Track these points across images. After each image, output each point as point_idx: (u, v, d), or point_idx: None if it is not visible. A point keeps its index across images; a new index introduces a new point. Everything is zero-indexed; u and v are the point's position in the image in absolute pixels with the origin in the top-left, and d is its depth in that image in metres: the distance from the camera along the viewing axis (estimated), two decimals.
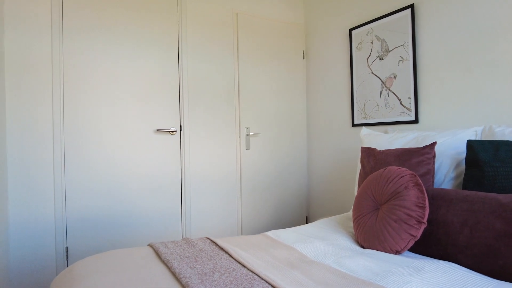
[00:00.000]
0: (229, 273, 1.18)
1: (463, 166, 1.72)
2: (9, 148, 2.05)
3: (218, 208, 2.78)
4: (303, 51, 3.25)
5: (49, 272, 2.15)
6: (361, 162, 2.03)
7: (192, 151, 2.68)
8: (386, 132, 2.46)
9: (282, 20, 3.14)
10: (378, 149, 2.13)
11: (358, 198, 1.70)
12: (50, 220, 2.16)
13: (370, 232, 1.51)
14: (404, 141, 2.02)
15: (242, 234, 2.87)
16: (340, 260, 1.35)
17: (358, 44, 2.70)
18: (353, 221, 1.67)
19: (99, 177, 2.30)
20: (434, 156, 1.68)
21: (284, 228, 2.96)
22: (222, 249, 1.48)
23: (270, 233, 1.77)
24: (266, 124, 3.01)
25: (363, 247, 1.55)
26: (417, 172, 1.68)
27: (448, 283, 1.12)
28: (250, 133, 2.92)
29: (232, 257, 1.37)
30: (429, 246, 1.40)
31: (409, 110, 2.31)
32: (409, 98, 2.30)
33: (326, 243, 1.57)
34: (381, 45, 2.51)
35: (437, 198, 1.44)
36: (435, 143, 1.70)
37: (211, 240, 1.61)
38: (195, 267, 1.24)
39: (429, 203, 1.46)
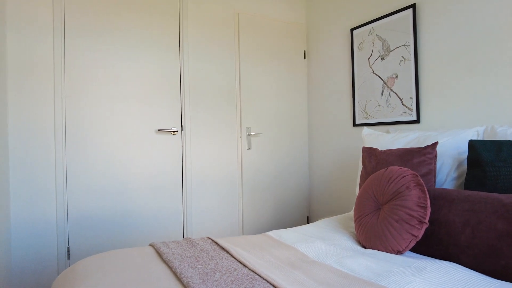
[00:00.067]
0: (230, 273, 1.18)
1: (465, 166, 1.72)
2: (11, 148, 2.06)
3: (219, 208, 2.79)
4: (305, 51, 3.24)
5: (51, 272, 2.15)
6: (363, 162, 2.03)
7: (194, 151, 2.68)
8: (387, 132, 2.45)
9: (283, 20, 3.14)
10: (380, 149, 2.12)
11: (360, 198, 1.69)
12: (52, 219, 2.16)
13: (372, 232, 1.51)
14: (405, 141, 2.02)
15: (243, 234, 2.87)
16: (341, 260, 1.34)
17: (360, 44, 2.70)
18: (355, 221, 1.66)
19: (100, 177, 2.31)
20: (435, 156, 1.68)
21: (285, 228, 2.96)
22: (223, 249, 1.48)
23: (271, 233, 1.77)
24: (267, 124, 3.01)
25: (364, 247, 1.55)
26: (418, 172, 1.67)
27: (449, 284, 1.12)
28: (251, 133, 2.92)
29: (234, 257, 1.37)
30: (431, 246, 1.40)
31: (411, 110, 2.30)
32: (411, 98, 2.30)
33: (328, 243, 1.57)
34: (382, 45, 2.50)
35: (438, 198, 1.44)
36: (436, 143, 1.70)
37: (212, 240, 1.61)
38: (196, 267, 1.24)
39: (431, 203, 1.45)
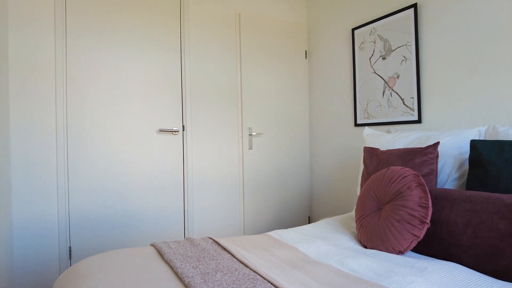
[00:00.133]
0: (232, 273, 1.18)
1: (467, 166, 1.71)
2: (13, 148, 2.06)
3: (220, 208, 2.79)
4: (306, 51, 3.24)
5: (52, 272, 2.16)
6: (364, 162, 2.03)
7: (195, 151, 2.68)
8: (389, 132, 2.45)
9: (285, 20, 3.14)
10: (381, 149, 2.12)
11: (361, 198, 1.69)
12: (54, 219, 2.16)
13: (373, 232, 1.50)
14: (407, 141, 2.02)
15: (244, 234, 2.87)
16: (342, 260, 1.34)
17: (361, 44, 2.69)
18: (356, 221, 1.66)
19: (102, 177, 2.31)
20: (437, 156, 1.68)
21: (286, 228, 2.96)
22: (224, 249, 1.48)
23: (272, 233, 1.77)
24: (269, 124, 3.01)
25: (365, 247, 1.54)
26: (420, 172, 1.67)
27: (451, 284, 1.11)
28: (253, 133, 2.92)
29: (235, 257, 1.37)
30: (432, 246, 1.40)
31: (412, 110, 2.30)
32: (412, 98, 2.29)
33: (329, 243, 1.57)
34: (383, 44, 2.50)
35: (440, 198, 1.44)
36: (438, 143, 1.70)
37: (213, 240, 1.61)
38: (197, 267, 1.24)
39: (432, 203, 1.45)
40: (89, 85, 2.28)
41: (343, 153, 2.90)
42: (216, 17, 2.80)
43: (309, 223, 3.23)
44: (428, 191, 1.43)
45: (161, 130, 2.51)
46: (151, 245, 1.58)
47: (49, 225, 2.15)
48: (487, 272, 1.21)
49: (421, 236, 1.39)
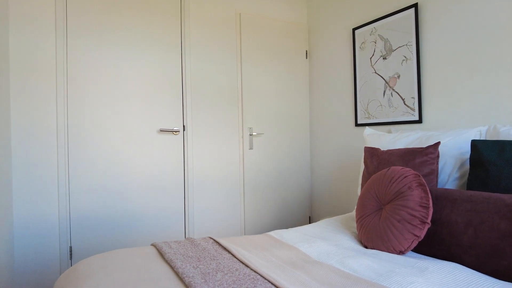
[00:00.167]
0: (232, 273, 1.18)
1: (467, 166, 1.71)
2: (14, 148, 2.07)
3: (221, 208, 2.79)
4: (306, 51, 3.24)
5: (53, 271, 2.16)
6: (365, 162, 2.03)
7: (195, 151, 2.68)
8: (389, 132, 2.45)
9: (285, 20, 3.14)
10: (382, 149, 2.12)
11: (362, 198, 1.69)
12: (54, 219, 2.17)
13: (374, 232, 1.50)
14: (407, 141, 2.01)
15: (245, 234, 2.87)
16: (343, 260, 1.34)
17: (362, 44, 2.69)
18: (356, 221, 1.66)
19: (103, 177, 2.31)
20: (437, 156, 1.68)
21: (287, 228, 2.96)
22: (225, 249, 1.48)
23: (273, 233, 1.77)
24: (269, 124, 3.01)
25: (366, 247, 1.54)
26: (420, 172, 1.67)
27: (452, 284, 1.11)
28: (253, 133, 2.92)
29: (235, 257, 1.37)
30: (433, 247, 1.40)
31: (413, 110, 2.30)
32: (413, 98, 2.29)
33: (329, 243, 1.57)
34: (384, 44, 2.50)
35: (441, 198, 1.43)
36: (438, 143, 1.69)
37: (214, 240, 1.61)
38: (198, 267, 1.24)
39: (433, 203, 1.45)
40: (89, 85, 2.29)
41: (344, 153, 2.90)
42: (217, 17, 2.80)
43: (309, 223, 3.23)
44: (428, 191, 1.43)
45: (161, 130, 2.52)
46: (152, 245, 1.58)
47: (49, 225, 2.15)
48: (488, 272, 1.21)
49: (422, 236, 1.39)
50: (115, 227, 2.35)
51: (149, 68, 2.49)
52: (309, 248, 1.51)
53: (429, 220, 1.38)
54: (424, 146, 1.88)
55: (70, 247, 2.22)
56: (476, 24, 1.96)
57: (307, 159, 3.23)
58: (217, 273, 1.18)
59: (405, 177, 1.49)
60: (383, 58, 2.51)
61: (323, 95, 3.10)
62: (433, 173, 1.65)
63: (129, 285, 1.11)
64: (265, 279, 1.14)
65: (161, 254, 1.43)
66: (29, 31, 2.11)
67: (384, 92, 2.50)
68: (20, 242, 2.07)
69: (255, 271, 1.21)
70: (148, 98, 2.48)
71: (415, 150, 1.75)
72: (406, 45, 2.33)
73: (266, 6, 3.05)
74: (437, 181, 1.65)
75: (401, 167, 1.57)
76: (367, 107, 2.65)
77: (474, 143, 1.55)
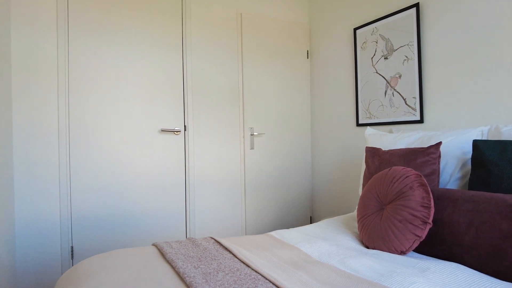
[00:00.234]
0: (233, 273, 1.18)
1: (469, 166, 1.71)
2: (16, 148, 2.07)
3: (222, 208, 2.79)
4: (307, 50, 3.24)
5: (55, 271, 2.16)
6: (366, 162, 2.02)
7: (196, 151, 2.68)
8: (390, 132, 2.45)
9: (286, 20, 3.14)
10: (383, 149, 2.12)
11: (363, 198, 1.69)
12: (56, 219, 2.17)
13: (375, 232, 1.50)
14: (409, 141, 2.01)
15: (246, 234, 2.87)
16: (344, 260, 1.34)
17: (363, 44, 2.69)
18: (358, 221, 1.66)
19: (104, 177, 2.31)
20: (439, 156, 1.67)
21: (288, 228, 2.96)
22: (226, 249, 1.48)
23: (274, 233, 1.77)
24: (270, 124, 3.01)
25: (367, 247, 1.54)
26: (422, 172, 1.67)
27: (453, 284, 1.11)
28: (254, 133, 2.92)
29: (236, 257, 1.37)
30: (434, 247, 1.39)
31: (414, 109, 2.29)
32: (414, 97, 2.29)
33: (331, 243, 1.56)
34: (385, 44, 2.49)
35: (442, 198, 1.43)
36: (440, 143, 1.69)
37: (215, 240, 1.61)
38: (199, 267, 1.24)
39: (434, 203, 1.45)
40: (91, 85, 2.29)
41: (345, 153, 2.90)
42: (218, 17, 2.80)
43: (311, 223, 3.23)
44: (430, 191, 1.43)
45: (163, 130, 2.52)
46: (153, 245, 1.58)
47: (51, 225, 2.16)
48: (490, 272, 1.20)
49: (423, 236, 1.38)
50: (116, 227, 2.35)
51: (150, 68, 2.49)
52: (310, 248, 1.51)
53: (430, 220, 1.38)
54: (426, 146, 1.87)
55: (72, 247, 2.22)
56: (477, 24, 1.95)
57: (308, 159, 3.23)
58: (218, 273, 1.18)
59: (406, 177, 1.49)
60: (385, 58, 2.50)
61: (324, 95, 3.10)
62: (435, 173, 1.65)
63: (130, 285, 1.11)
64: (266, 279, 1.14)
65: (162, 254, 1.43)
66: (30, 31, 2.12)
67: (386, 92, 2.50)
68: (21, 242, 2.08)
69: (256, 271, 1.21)
70: (149, 98, 2.49)
71: (416, 150, 1.74)
72: (408, 45, 2.33)
73: (267, 6, 3.05)
74: (438, 181, 1.65)
75: (403, 167, 1.56)
76: (368, 107, 2.64)
77: (476, 143, 1.55)
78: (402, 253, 1.42)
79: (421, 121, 2.25)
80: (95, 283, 1.13)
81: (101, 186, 2.31)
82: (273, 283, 1.10)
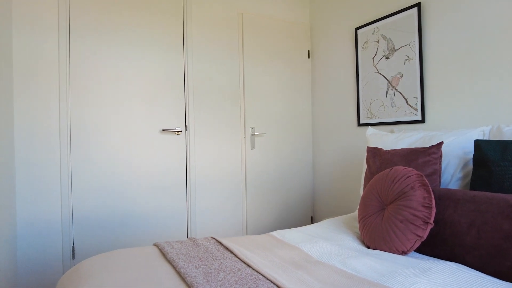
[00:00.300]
0: (234, 273, 1.18)
1: (471, 166, 1.70)
2: (17, 148, 2.08)
3: (223, 208, 2.79)
4: (309, 50, 3.24)
5: (56, 271, 2.17)
6: (367, 162, 2.02)
7: (198, 151, 2.69)
8: (392, 132, 2.44)
9: (287, 20, 3.14)
10: (384, 149, 2.11)
11: (364, 198, 1.69)
12: (57, 219, 2.17)
13: (376, 233, 1.50)
14: (410, 141, 2.01)
15: (247, 234, 2.87)
16: (345, 261, 1.34)
17: (364, 44, 2.68)
18: (359, 222, 1.66)
19: (105, 177, 2.32)
20: (440, 156, 1.67)
21: (289, 228, 2.96)
22: (227, 249, 1.48)
23: (275, 233, 1.77)
24: (271, 124, 3.01)
25: (368, 247, 1.54)
26: (423, 172, 1.66)
27: (455, 285, 1.11)
28: (255, 133, 2.92)
29: (237, 257, 1.37)
30: (436, 247, 1.39)
31: (416, 109, 2.29)
32: (416, 97, 2.28)
33: (332, 243, 1.56)
34: (387, 44, 2.49)
35: (444, 198, 1.43)
36: (441, 143, 1.69)
37: (216, 240, 1.61)
38: (200, 267, 1.24)
39: (436, 203, 1.44)
40: (92, 86, 2.29)
41: (346, 153, 2.90)
42: (219, 17, 2.80)
43: (312, 223, 3.23)
44: (431, 191, 1.43)
45: (164, 130, 2.52)
46: (154, 244, 1.58)
47: (52, 224, 2.16)
48: (491, 273, 1.20)
49: (425, 237, 1.38)
50: (117, 226, 2.35)
51: (151, 68, 2.49)
52: (311, 248, 1.51)
53: (432, 221, 1.37)
54: (427, 146, 1.87)
55: (73, 247, 2.22)
56: (479, 23, 1.95)
57: (309, 159, 3.23)
58: (219, 273, 1.18)
59: (407, 177, 1.49)
60: (386, 58, 2.50)
61: (326, 95, 3.10)
62: (436, 173, 1.65)
63: (131, 284, 1.11)
64: (267, 279, 1.14)
65: (163, 254, 1.43)
66: (31, 31, 2.12)
67: (387, 92, 2.50)
68: (23, 242, 2.08)
69: (257, 271, 1.21)
70: (150, 98, 2.49)
71: (418, 150, 1.74)
72: (409, 44, 2.32)
73: (268, 6, 3.05)
74: (440, 181, 1.65)
75: (404, 167, 1.56)
76: (370, 107, 2.64)
77: (478, 143, 1.54)
78: (404, 253, 1.41)
79: (422, 121, 2.25)
80: (97, 283, 1.13)
81: (102, 186, 2.31)
82: (274, 283, 1.10)
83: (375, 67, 2.59)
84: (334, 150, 3.01)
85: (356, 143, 2.80)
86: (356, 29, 2.74)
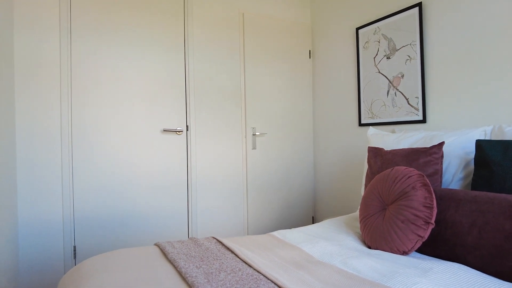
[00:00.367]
0: (235, 273, 1.18)
1: (472, 166, 1.70)
2: (18, 148, 2.08)
3: (224, 208, 2.79)
4: (310, 50, 3.24)
5: (57, 271, 2.17)
6: (368, 162, 2.02)
7: (198, 151, 2.69)
8: (393, 131, 2.44)
9: (288, 20, 3.14)
10: (385, 149, 2.11)
11: (365, 198, 1.68)
12: (58, 219, 2.18)
13: (377, 233, 1.50)
14: (411, 141, 2.00)
15: (248, 234, 2.87)
16: (346, 261, 1.34)
17: (365, 43, 2.68)
18: (360, 222, 1.65)
19: (106, 177, 2.32)
20: (442, 156, 1.66)
21: (290, 228, 2.96)
22: (228, 248, 1.48)
23: (276, 233, 1.77)
24: (272, 124, 3.01)
25: (369, 247, 1.54)
26: (424, 172, 1.66)
27: (456, 285, 1.11)
28: (256, 133, 2.92)
29: (238, 257, 1.37)
30: (437, 247, 1.39)
31: (417, 109, 2.28)
32: (417, 97, 2.28)
33: (333, 244, 1.56)
34: (388, 44, 2.49)
35: (445, 198, 1.43)
36: (443, 143, 1.68)
37: (217, 240, 1.61)
38: (201, 267, 1.24)
39: (437, 203, 1.44)
40: (93, 86, 2.30)
41: (347, 153, 2.90)
42: (220, 17, 2.80)
43: (313, 223, 3.23)
44: (432, 191, 1.42)
45: (165, 130, 2.52)
46: (155, 244, 1.58)
47: (54, 224, 2.16)
48: (493, 273, 1.20)
49: (426, 237, 1.38)
50: (118, 226, 2.35)
51: (151, 68, 2.50)
52: (312, 248, 1.50)
53: (433, 221, 1.37)
54: (428, 146, 1.87)
55: (74, 247, 2.23)
56: (480, 23, 1.94)
57: (310, 159, 3.23)
58: (220, 273, 1.18)
59: (409, 177, 1.49)
60: (387, 58, 2.50)
61: (327, 95, 3.10)
62: (437, 173, 1.64)
63: (132, 284, 1.11)
64: (268, 279, 1.14)
65: (164, 253, 1.43)
66: (32, 32, 2.12)
67: (388, 91, 2.49)
68: (24, 242, 2.09)
69: (258, 271, 1.21)
70: (151, 98, 2.49)
71: (419, 150, 1.74)
72: (410, 44, 2.32)
73: (269, 6, 3.04)
74: (441, 181, 1.64)
75: (405, 167, 1.56)
76: (371, 107, 2.64)
77: (479, 143, 1.54)
78: (405, 253, 1.41)
79: (423, 121, 2.24)
80: (98, 283, 1.14)
81: (104, 186, 2.31)
82: (275, 283, 1.10)
83: (376, 67, 2.59)
84: (335, 150, 3.01)
85: (357, 143, 2.80)
86: (357, 29, 2.74)
